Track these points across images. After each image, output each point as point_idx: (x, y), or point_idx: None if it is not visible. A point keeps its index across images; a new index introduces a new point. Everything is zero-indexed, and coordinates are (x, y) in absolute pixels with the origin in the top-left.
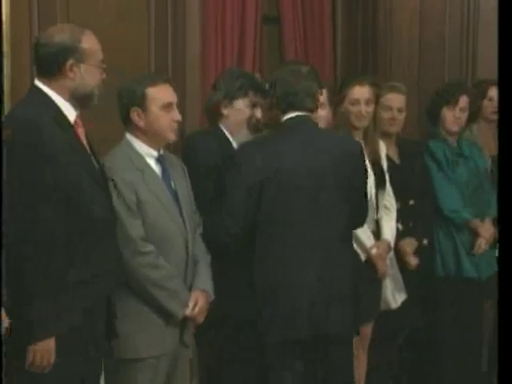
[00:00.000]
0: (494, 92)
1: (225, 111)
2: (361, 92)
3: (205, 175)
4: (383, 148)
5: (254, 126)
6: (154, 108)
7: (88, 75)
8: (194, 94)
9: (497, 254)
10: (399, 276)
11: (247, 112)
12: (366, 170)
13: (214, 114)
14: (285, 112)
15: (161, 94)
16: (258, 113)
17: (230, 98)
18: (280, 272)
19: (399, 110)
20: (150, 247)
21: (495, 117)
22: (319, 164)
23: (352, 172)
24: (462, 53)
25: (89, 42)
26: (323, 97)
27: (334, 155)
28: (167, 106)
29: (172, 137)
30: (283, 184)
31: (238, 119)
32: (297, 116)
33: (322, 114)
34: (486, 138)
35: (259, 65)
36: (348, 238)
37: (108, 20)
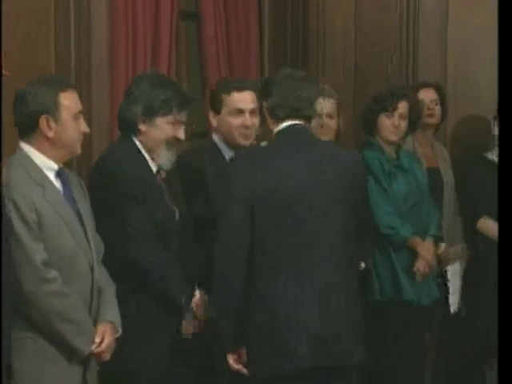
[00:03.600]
0: (424, 95)
1: (142, 127)
2: None
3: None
4: None
5: (173, 146)
6: (67, 116)
7: None
8: (102, 102)
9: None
10: None
11: (168, 131)
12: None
13: (128, 127)
14: (281, 121)
15: (73, 102)
16: (181, 133)
17: (150, 113)
18: (281, 304)
19: (329, 117)
20: (54, 273)
21: (430, 121)
22: (320, 179)
23: (354, 188)
24: (402, 55)
25: None
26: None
27: (335, 169)
28: (78, 115)
29: (79, 150)
30: (278, 202)
31: (156, 138)
32: (294, 125)
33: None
34: (423, 148)
35: (176, 67)
36: (353, 263)
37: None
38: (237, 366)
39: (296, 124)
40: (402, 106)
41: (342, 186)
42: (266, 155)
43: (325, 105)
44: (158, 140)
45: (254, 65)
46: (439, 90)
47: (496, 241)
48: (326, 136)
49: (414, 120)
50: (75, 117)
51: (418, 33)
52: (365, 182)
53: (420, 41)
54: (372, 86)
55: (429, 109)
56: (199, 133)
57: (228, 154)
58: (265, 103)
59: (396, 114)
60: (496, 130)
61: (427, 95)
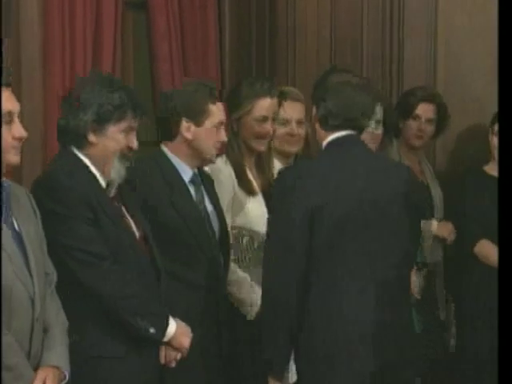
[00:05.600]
0: (422, 110)
1: (92, 137)
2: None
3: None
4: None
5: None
6: None
7: None
8: (34, 108)
9: None
10: None
11: (122, 141)
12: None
13: (74, 137)
14: (333, 130)
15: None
16: (135, 141)
17: (102, 120)
18: (338, 324)
19: (299, 123)
20: None
21: (419, 143)
22: (377, 195)
23: (415, 206)
24: (385, 57)
25: None
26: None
27: (392, 184)
28: (7, 117)
29: (15, 159)
30: (334, 220)
31: (109, 149)
32: (348, 136)
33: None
34: (411, 163)
35: (122, 65)
36: (406, 280)
37: None
38: None
39: (349, 134)
40: (377, 111)
41: (398, 200)
42: (322, 167)
43: (293, 109)
44: (111, 151)
45: (212, 65)
46: (441, 107)
47: (495, 267)
48: (295, 146)
49: (389, 127)
50: (5, 119)
51: (403, 32)
52: (417, 195)
53: (405, 41)
54: None
55: (419, 130)
56: (150, 142)
57: (188, 174)
58: (314, 110)
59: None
60: (495, 140)
61: (425, 113)
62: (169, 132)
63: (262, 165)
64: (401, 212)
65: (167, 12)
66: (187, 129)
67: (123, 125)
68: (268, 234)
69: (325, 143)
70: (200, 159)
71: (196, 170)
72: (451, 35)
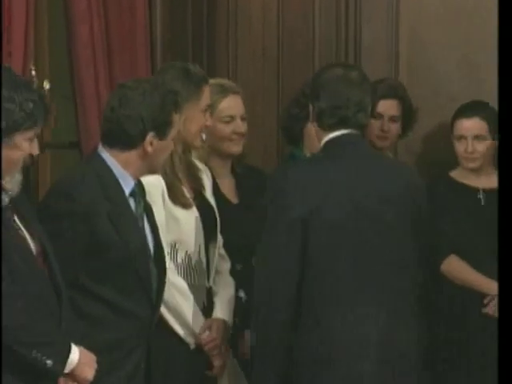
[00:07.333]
0: (384, 108)
1: None
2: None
3: None
4: (207, 177)
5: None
6: None
7: None
8: None
9: None
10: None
11: (26, 149)
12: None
13: None
14: (330, 129)
15: None
16: (37, 148)
17: (11, 129)
18: (337, 332)
19: (242, 119)
20: None
21: (383, 144)
22: (379, 198)
23: (418, 210)
24: (340, 45)
25: None
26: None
27: (396, 188)
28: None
29: None
30: (330, 223)
31: (12, 160)
32: (347, 134)
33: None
34: None
35: (35, 55)
36: (414, 295)
37: None
38: None
39: (348, 133)
40: None
41: (398, 202)
42: (316, 169)
43: (236, 104)
44: (14, 162)
45: (141, 53)
46: (405, 102)
47: (465, 286)
48: (240, 145)
49: None
50: None
51: (361, 16)
52: (419, 198)
53: (363, 26)
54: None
55: (383, 130)
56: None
57: (129, 185)
58: (311, 107)
59: None
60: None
61: (387, 109)
62: (126, 141)
63: (194, 172)
64: (401, 215)
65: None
66: (150, 142)
67: (30, 133)
68: (261, 237)
69: (322, 143)
70: (149, 171)
71: (136, 181)
72: (417, 19)
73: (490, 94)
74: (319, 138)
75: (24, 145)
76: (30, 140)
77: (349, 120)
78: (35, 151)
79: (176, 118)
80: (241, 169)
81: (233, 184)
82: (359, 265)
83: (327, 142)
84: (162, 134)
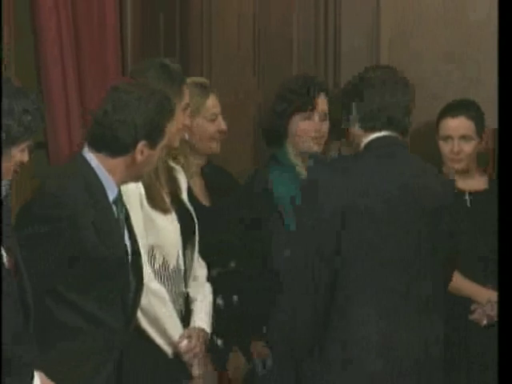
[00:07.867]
0: None
1: None
2: None
3: None
4: (183, 179)
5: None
6: None
7: None
8: None
9: None
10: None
11: (18, 158)
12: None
13: None
14: (371, 131)
15: None
16: (26, 156)
17: (8, 143)
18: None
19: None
20: None
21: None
22: (418, 205)
23: (451, 219)
24: (319, 42)
25: None
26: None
27: (435, 196)
28: None
29: None
30: (365, 228)
31: (5, 169)
32: (387, 137)
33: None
34: None
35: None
36: (439, 303)
37: None
38: None
39: (390, 135)
40: (323, 102)
41: (441, 214)
42: (354, 171)
43: (217, 102)
44: (6, 172)
45: (111, 44)
46: None
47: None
48: (219, 144)
49: (338, 122)
50: None
51: (340, 10)
52: (451, 218)
53: (342, 22)
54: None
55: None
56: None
57: (113, 192)
58: (354, 108)
59: (315, 114)
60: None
61: None
62: (115, 148)
63: (171, 174)
64: (428, 225)
65: None
66: (141, 151)
67: (26, 143)
68: (293, 236)
69: (363, 144)
70: (133, 179)
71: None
72: (398, 16)
73: (476, 94)
74: (358, 138)
75: (18, 155)
76: (23, 149)
77: (395, 122)
78: (25, 159)
79: (169, 126)
80: (208, 169)
81: (202, 185)
82: (384, 267)
83: (368, 143)
84: (153, 143)
